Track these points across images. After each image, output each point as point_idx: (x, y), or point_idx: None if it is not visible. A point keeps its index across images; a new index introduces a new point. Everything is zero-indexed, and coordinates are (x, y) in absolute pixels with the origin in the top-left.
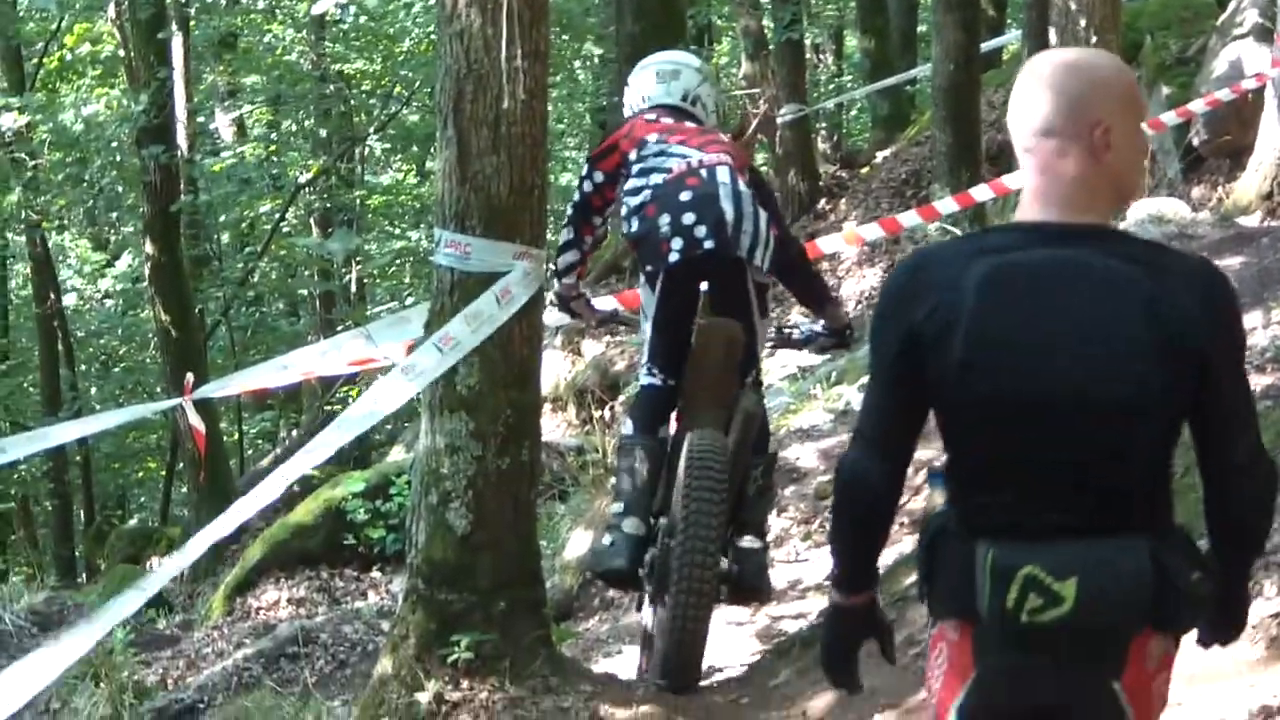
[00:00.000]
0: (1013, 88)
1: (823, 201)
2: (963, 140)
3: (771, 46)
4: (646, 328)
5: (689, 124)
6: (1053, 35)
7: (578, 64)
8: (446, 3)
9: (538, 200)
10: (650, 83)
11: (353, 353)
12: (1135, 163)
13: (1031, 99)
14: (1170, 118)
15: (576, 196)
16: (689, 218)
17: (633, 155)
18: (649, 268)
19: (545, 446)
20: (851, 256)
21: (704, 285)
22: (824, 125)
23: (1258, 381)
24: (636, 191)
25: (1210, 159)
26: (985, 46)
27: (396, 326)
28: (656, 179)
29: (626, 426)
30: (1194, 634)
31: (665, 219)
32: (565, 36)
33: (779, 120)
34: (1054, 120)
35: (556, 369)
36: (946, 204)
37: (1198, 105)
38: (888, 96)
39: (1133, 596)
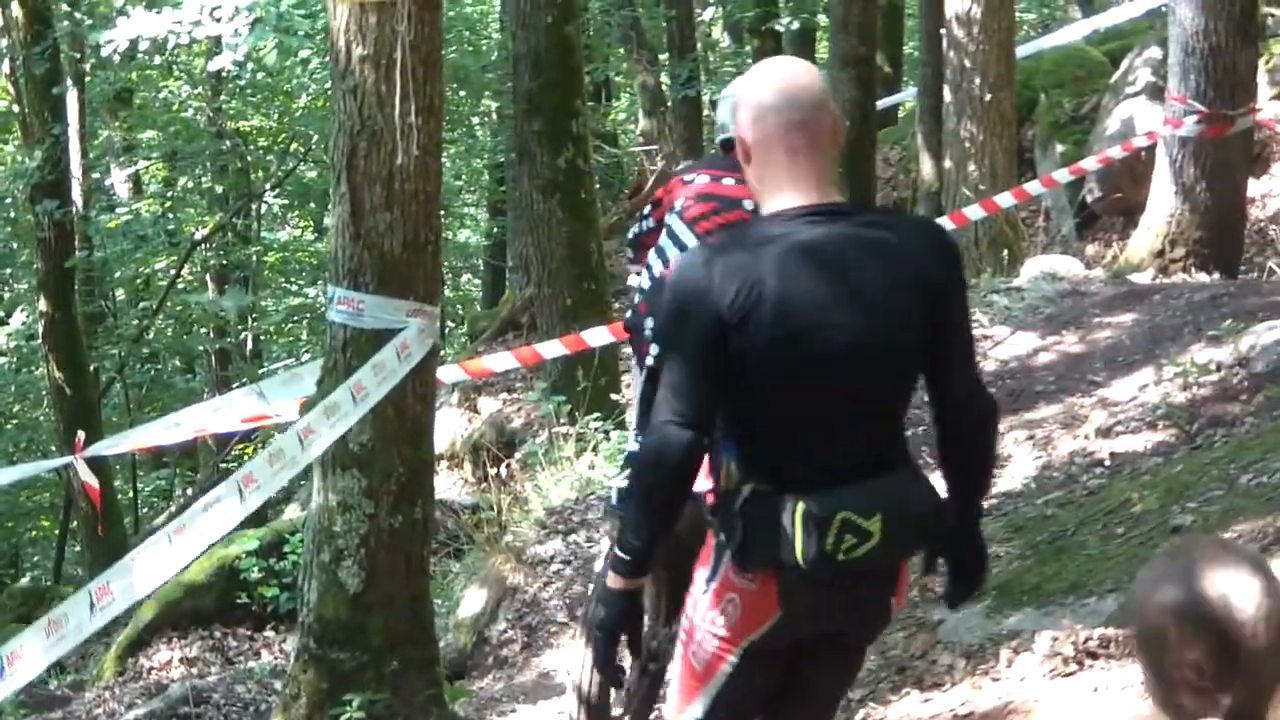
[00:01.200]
0: (742, 93)
1: None
2: (859, 197)
3: (669, 103)
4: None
5: (736, 173)
6: (947, 93)
7: (475, 119)
8: (340, 59)
9: (432, 256)
10: (725, 113)
11: (246, 410)
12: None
13: (777, 101)
14: (1063, 175)
15: (631, 234)
16: None
17: (667, 218)
18: (634, 358)
19: (440, 504)
20: None
21: None
22: None
23: (1149, 438)
24: (647, 267)
25: (1104, 216)
26: (881, 104)
27: (290, 384)
28: (659, 269)
29: (613, 495)
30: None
31: (650, 322)
32: (462, 93)
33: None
34: (806, 115)
35: (452, 426)
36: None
37: (1090, 163)
38: None
39: (924, 524)
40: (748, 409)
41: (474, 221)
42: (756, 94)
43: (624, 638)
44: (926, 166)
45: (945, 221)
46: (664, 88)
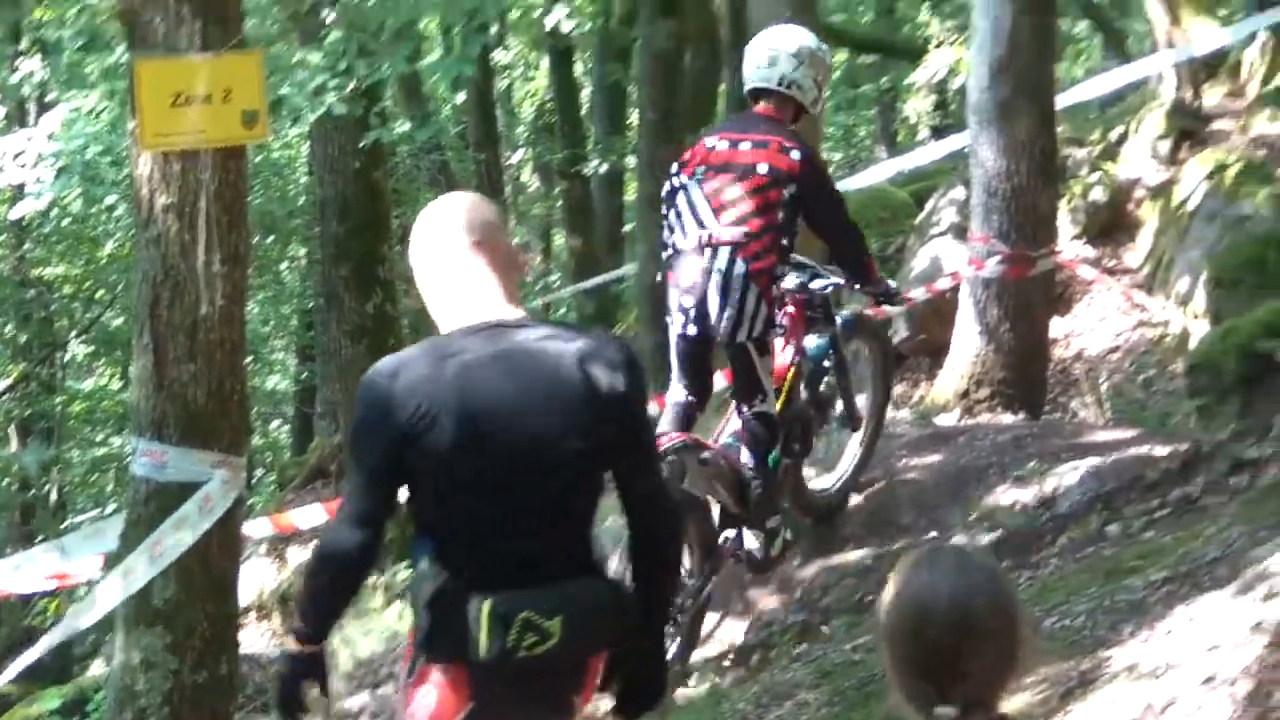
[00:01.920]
0: (424, 222)
1: None
2: (668, 339)
3: None
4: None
5: (754, 134)
6: None
7: (283, 265)
8: (144, 207)
9: (237, 406)
10: (750, 66)
11: (47, 567)
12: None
13: (452, 227)
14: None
15: (665, 190)
16: (685, 300)
17: (687, 177)
18: (666, 318)
19: (246, 658)
20: None
21: None
22: None
23: None
24: (670, 229)
25: (910, 357)
26: None
27: (92, 539)
28: (680, 237)
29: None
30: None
31: (672, 293)
32: (270, 238)
33: None
34: (484, 238)
35: (261, 576)
36: (649, 407)
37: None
38: (594, 296)
39: (605, 626)
40: (436, 511)
41: (283, 367)
42: (439, 220)
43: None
44: None
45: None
46: None
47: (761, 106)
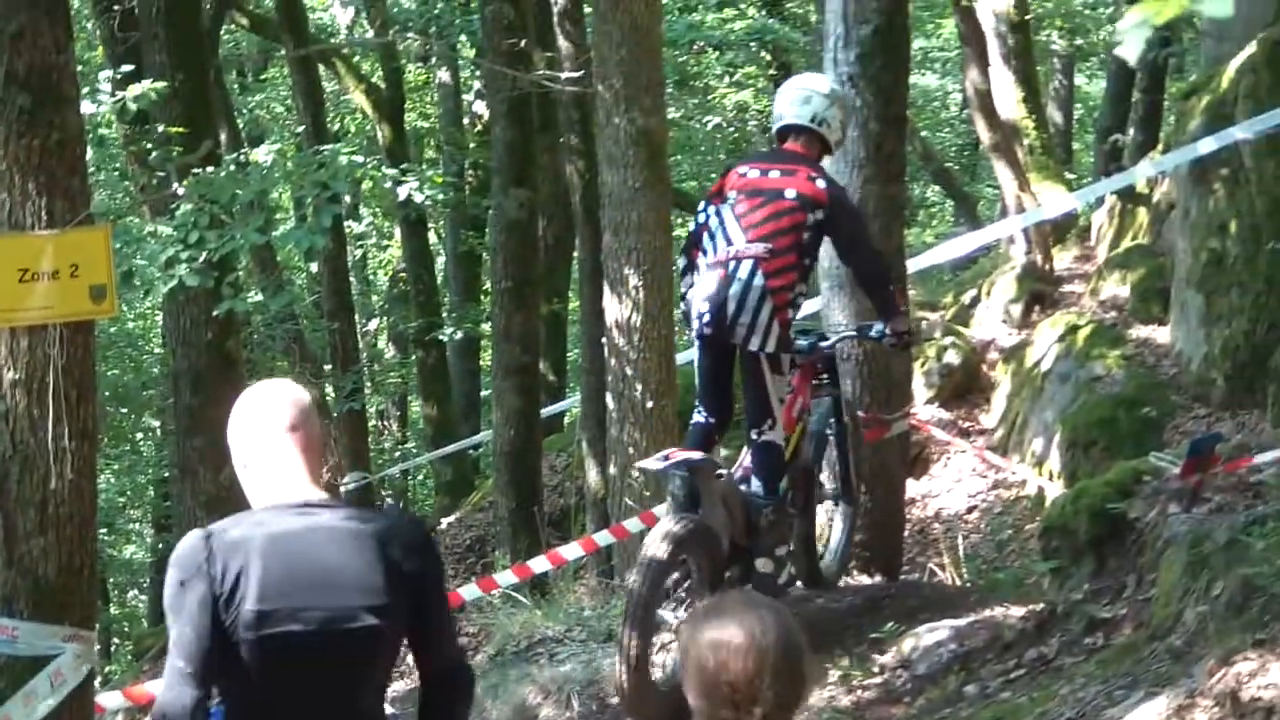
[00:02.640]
0: (241, 409)
1: None
2: (524, 504)
3: (334, 415)
4: None
5: (782, 164)
6: (610, 399)
7: (139, 435)
8: None
9: (88, 580)
10: (783, 104)
11: None
12: None
13: (268, 412)
14: None
15: (693, 226)
16: (703, 305)
17: (718, 204)
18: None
19: None
20: None
21: None
22: (388, 492)
23: None
24: (699, 248)
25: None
26: (545, 412)
27: None
28: (707, 251)
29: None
30: None
31: (693, 295)
32: (124, 410)
33: (342, 489)
34: (297, 422)
35: None
36: (505, 576)
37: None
38: (451, 462)
39: None
40: (234, 680)
41: (139, 537)
42: (257, 405)
43: None
44: (592, 473)
45: (604, 535)
46: (328, 400)
47: (790, 143)
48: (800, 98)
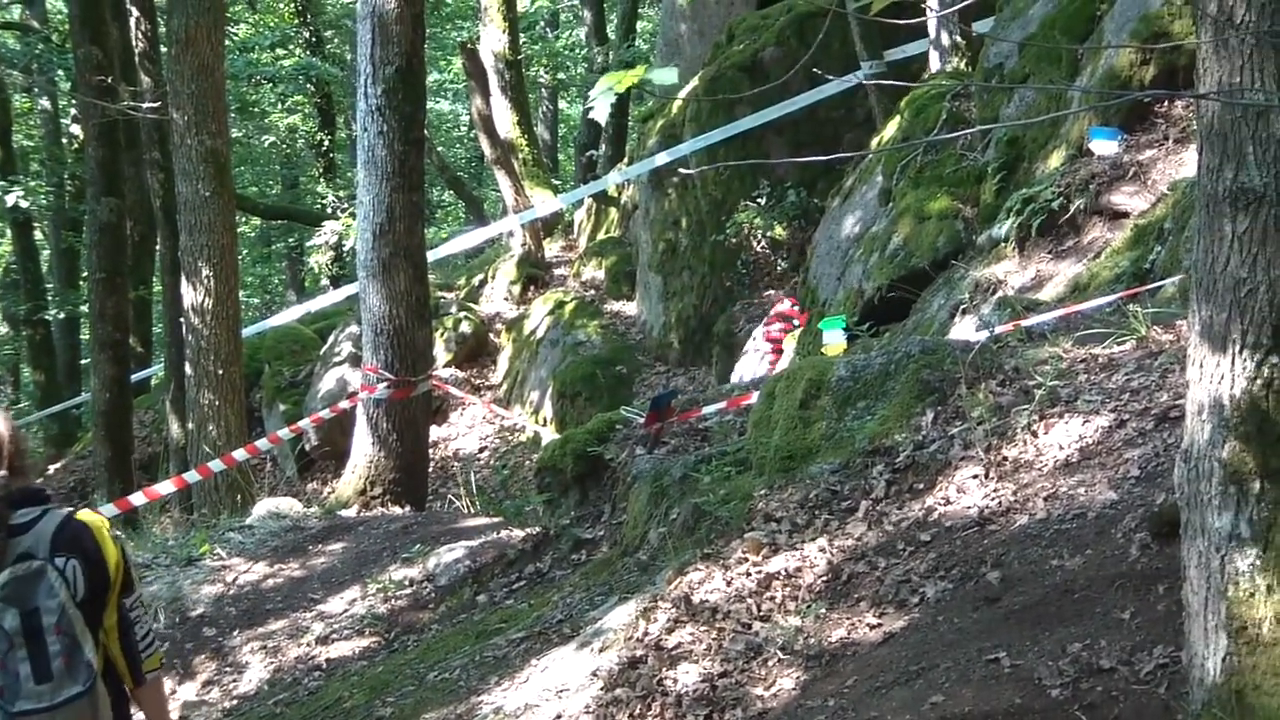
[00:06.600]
0: None
1: None
2: (119, 454)
3: None
4: None
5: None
6: (188, 367)
7: None
8: None
9: None
10: None
11: None
12: None
13: None
14: (285, 432)
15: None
16: None
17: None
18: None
19: None
20: None
21: None
22: None
23: (357, 644)
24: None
25: (319, 461)
26: (135, 377)
27: None
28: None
29: None
30: None
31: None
32: None
33: None
34: None
35: None
36: (108, 509)
37: (306, 422)
38: (56, 419)
39: None
40: None
41: None
42: None
43: None
44: (174, 428)
45: (192, 474)
46: None
47: None
48: None
